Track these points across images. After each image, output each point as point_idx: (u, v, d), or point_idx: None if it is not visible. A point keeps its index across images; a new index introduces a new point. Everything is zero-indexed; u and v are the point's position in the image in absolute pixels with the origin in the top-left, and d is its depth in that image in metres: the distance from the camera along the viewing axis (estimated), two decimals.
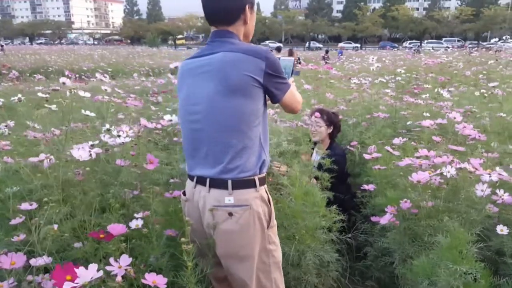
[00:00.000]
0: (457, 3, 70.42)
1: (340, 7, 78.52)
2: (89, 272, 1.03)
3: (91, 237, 1.33)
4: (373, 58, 4.19)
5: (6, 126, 2.19)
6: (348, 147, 3.01)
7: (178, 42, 68.04)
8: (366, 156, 2.50)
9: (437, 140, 2.29)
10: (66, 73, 2.68)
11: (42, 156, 1.55)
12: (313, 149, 2.91)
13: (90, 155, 1.47)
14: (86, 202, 1.57)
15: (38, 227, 1.26)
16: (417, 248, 1.85)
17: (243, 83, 1.35)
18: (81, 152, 1.43)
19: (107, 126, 1.78)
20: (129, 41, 72.94)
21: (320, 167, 2.39)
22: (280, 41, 58.89)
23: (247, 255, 1.43)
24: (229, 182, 1.38)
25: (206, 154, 1.43)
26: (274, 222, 1.51)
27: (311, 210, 1.89)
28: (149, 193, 1.59)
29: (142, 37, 69.49)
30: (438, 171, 1.72)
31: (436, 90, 3.87)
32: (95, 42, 72.87)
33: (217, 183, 1.40)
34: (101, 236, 1.31)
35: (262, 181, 1.45)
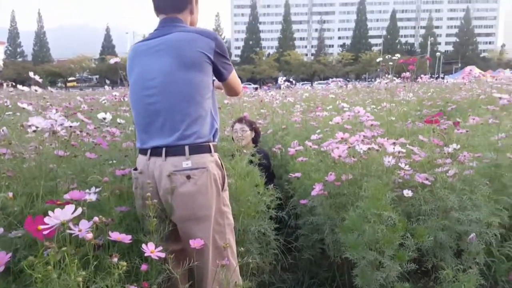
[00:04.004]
0: (339, 49, 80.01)
1: (238, 51, 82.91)
2: (67, 211, 1.06)
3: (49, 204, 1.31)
4: (282, 79, 4.65)
5: None
6: (273, 149, 3.33)
7: (69, 84, 64.20)
8: (290, 151, 2.78)
9: (348, 128, 2.68)
10: None
11: None
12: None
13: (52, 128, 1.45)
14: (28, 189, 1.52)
15: None
16: (343, 217, 2.12)
17: (197, 59, 1.52)
18: (40, 120, 1.41)
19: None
20: (11, 83, 66.53)
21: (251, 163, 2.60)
22: None
23: (205, 215, 1.53)
24: (186, 148, 1.50)
25: (162, 124, 1.54)
26: (227, 186, 1.64)
27: (253, 189, 2.06)
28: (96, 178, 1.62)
29: (27, 79, 64.28)
30: (357, 142, 2.04)
31: (337, 102, 4.42)
32: None
33: (174, 151, 1.51)
34: (59, 203, 1.30)
35: (215, 148, 1.60)
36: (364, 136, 2.30)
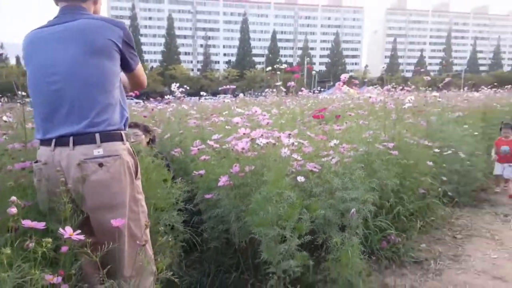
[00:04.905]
0: (225, 66, 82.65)
1: None
2: None
3: None
4: (176, 86, 4.74)
5: None
6: (172, 153, 3.37)
7: None
8: (193, 150, 2.88)
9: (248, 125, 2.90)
10: None
11: None
12: None
13: None
14: None
15: None
16: (248, 203, 2.31)
17: (106, 46, 1.53)
18: None
19: None
20: None
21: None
22: None
23: (119, 203, 1.53)
24: (97, 135, 1.49)
25: (68, 112, 1.50)
26: (140, 174, 1.67)
27: (160, 183, 2.12)
28: None
29: None
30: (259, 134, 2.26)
31: (232, 108, 4.67)
32: None
33: (83, 139, 1.48)
34: None
35: (127, 137, 1.62)
36: (263, 132, 2.53)
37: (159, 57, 76.91)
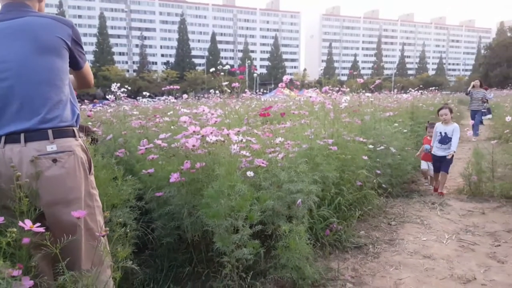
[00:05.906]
0: (163, 67, 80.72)
1: None
2: None
3: None
4: (116, 86, 4.64)
5: None
6: (116, 154, 3.32)
7: None
8: (141, 150, 2.88)
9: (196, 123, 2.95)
10: None
11: None
12: None
13: None
14: None
15: None
16: (199, 199, 2.37)
17: (56, 44, 1.55)
18: None
19: None
20: None
21: None
22: None
23: (75, 197, 1.54)
24: (50, 132, 1.50)
25: (19, 109, 1.48)
26: (93, 170, 1.69)
27: (111, 181, 2.12)
28: None
29: None
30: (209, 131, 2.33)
31: (177, 108, 4.68)
32: None
33: (35, 135, 1.48)
34: None
35: (79, 133, 1.64)
36: (213, 129, 2.61)
37: (90, 57, 72.90)
